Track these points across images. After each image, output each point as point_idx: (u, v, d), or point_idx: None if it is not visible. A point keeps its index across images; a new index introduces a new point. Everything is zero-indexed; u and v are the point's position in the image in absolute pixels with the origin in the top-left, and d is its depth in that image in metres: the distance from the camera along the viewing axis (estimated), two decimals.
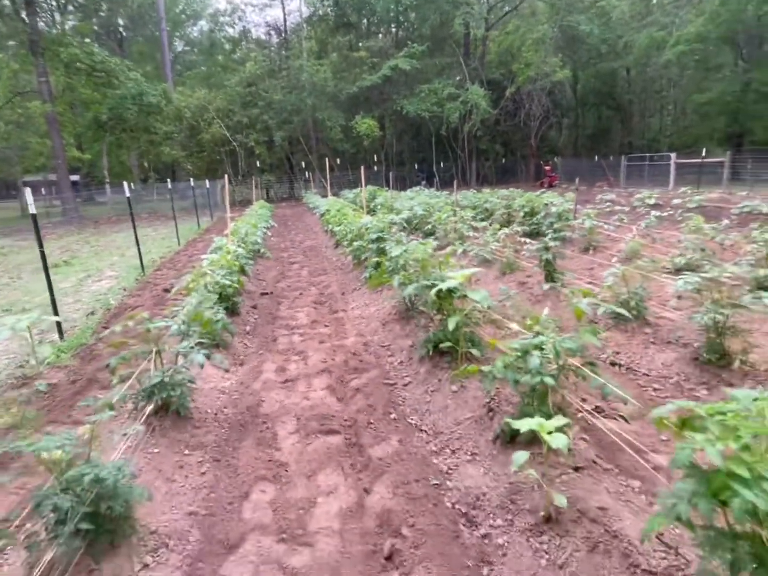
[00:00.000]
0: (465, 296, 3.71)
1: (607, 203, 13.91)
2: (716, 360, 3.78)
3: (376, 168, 31.97)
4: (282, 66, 32.55)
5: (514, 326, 3.12)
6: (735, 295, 3.69)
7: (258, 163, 30.80)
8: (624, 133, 40.62)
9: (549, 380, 2.46)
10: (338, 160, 27.65)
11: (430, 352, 4.11)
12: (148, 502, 2.39)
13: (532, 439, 2.66)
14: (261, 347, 5.39)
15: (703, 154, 19.89)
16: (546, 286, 6.11)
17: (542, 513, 2.32)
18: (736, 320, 3.73)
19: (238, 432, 3.54)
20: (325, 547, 2.41)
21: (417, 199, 11.73)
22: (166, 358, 3.59)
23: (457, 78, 32.67)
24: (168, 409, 3.39)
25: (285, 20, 37.24)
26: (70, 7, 35.72)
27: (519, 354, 2.66)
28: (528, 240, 7.79)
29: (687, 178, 21.69)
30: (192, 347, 3.47)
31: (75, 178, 35.40)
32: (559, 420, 2.20)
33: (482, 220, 10.85)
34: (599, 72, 37.02)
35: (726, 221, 8.67)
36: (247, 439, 3.43)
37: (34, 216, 5.50)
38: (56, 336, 5.78)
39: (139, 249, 9.93)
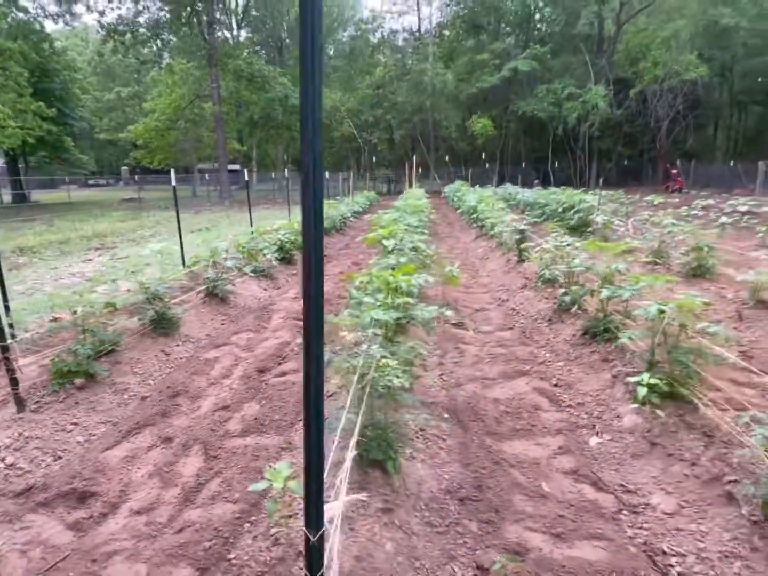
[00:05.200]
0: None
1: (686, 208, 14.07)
2: (568, 306, 5.28)
3: (487, 165, 33.22)
4: (411, 68, 35.28)
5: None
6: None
7: (374, 159, 34.00)
8: None
9: (403, 259, 4.46)
10: (447, 158, 29.58)
11: None
12: (186, 323, 4.96)
13: None
14: (296, 282, 7.90)
15: None
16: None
17: None
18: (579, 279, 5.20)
19: (251, 313, 6.04)
20: (260, 351, 4.74)
21: (477, 193, 13.47)
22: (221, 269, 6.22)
23: (583, 77, 32.24)
24: (215, 295, 6.00)
25: (419, 26, 40.13)
26: (244, 24, 42.84)
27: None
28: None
29: None
30: (233, 266, 6.04)
31: (235, 167, 42.37)
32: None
33: (540, 214, 12.42)
34: (754, 68, 33.47)
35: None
36: (252, 315, 5.90)
37: (174, 188, 8.60)
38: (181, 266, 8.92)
39: (251, 219, 13.23)
